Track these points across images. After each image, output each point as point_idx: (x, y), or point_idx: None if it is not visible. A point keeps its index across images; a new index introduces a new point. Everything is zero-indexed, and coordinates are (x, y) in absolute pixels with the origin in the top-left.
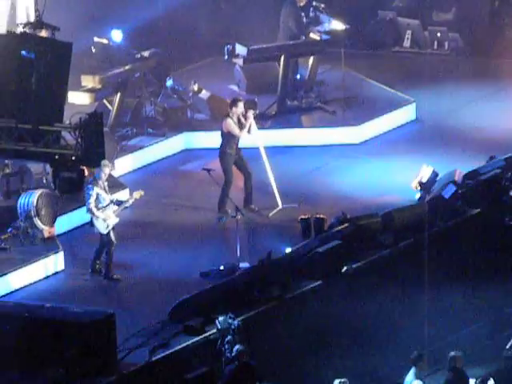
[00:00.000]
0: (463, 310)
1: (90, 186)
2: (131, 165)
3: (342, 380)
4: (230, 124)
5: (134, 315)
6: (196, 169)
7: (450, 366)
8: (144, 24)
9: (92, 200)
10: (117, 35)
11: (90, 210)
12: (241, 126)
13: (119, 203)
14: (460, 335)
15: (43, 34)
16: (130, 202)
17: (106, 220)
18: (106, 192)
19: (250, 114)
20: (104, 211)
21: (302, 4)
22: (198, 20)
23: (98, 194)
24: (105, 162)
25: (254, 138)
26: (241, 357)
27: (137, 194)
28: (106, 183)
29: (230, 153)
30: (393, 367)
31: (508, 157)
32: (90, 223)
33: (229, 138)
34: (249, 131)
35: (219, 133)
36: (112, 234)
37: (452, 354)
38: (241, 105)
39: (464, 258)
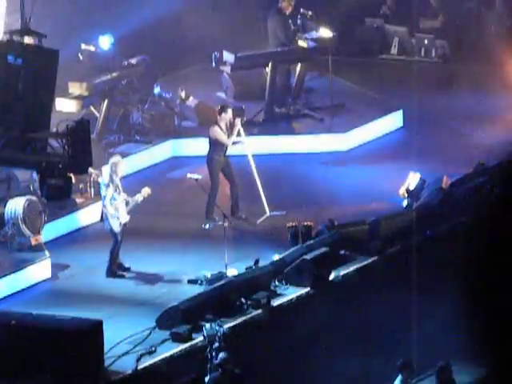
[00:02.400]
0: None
1: (106, 184)
2: None
3: None
4: (217, 131)
5: (121, 322)
6: (183, 176)
7: (438, 375)
8: (131, 31)
9: (108, 199)
10: (104, 42)
11: (105, 208)
12: (229, 133)
13: (127, 202)
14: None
15: (30, 41)
16: (140, 198)
17: (119, 218)
18: (119, 190)
19: (238, 121)
20: (117, 209)
21: (288, 12)
22: (185, 27)
23: (112, 193)
24: (117, 157)
25: (242, 145)
26: (224, 364)
27: (144, 192)
28: (120, 181)
29: (218, 159)
30: (380, 374)
31: (496, 164)
32: (101, 218)
33: (216, 145)
34: (237, 135)
35: (206, 140)
36: (121, 232)
37: (440, 363)
38: (230, 111)
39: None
